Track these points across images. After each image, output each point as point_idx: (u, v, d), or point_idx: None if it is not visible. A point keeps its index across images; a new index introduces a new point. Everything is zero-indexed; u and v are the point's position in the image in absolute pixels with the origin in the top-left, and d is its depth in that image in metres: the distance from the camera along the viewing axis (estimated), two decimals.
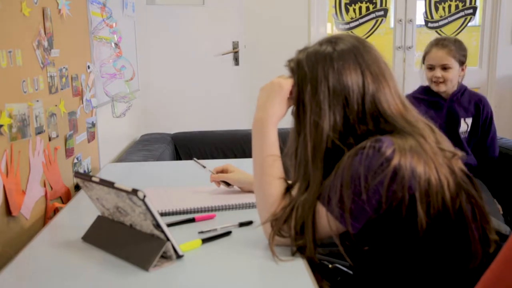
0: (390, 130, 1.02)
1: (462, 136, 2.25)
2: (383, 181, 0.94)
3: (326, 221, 1.00)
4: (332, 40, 1.08)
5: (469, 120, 2.25)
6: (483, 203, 1.03)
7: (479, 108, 2.24)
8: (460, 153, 1.04)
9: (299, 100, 1.08)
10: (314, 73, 1.05)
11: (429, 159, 0.97)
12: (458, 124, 2.24)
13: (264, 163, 1.11)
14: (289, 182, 1.13)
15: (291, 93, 1.12)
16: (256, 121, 1.13)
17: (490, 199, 2.15)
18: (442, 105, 2.24)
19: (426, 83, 2.27)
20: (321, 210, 1.00)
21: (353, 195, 0.96)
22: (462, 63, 2.17)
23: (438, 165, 0.98)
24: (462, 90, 2.24)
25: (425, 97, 2.25)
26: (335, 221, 0.99)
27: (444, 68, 2.15)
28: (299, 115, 1.08)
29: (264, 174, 1.11)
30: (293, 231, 1.02)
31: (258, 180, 1.13)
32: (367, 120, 1.03)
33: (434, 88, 2.19)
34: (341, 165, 0.99)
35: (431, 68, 2.18)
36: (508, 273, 0.68)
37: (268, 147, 1.11)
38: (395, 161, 0.94)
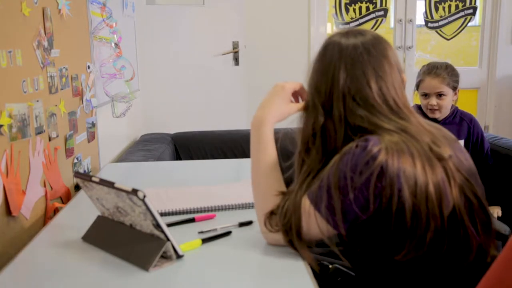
0: (376, 130, 1.02)
1: None
2: (370, 178, 0.95)
3: (315, 221, 1.00)
4: (347, 32, 1.10)
5: (462, 142, 2.26)
6: (482, 202, 1.03)
7: (470, 128, 2.27)
8: (447, 154, 1.01)
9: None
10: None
11: (417, 158, 0.96)
12: None
13: (260, 161, 1.12)
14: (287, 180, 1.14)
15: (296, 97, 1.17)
16: (254, 119, 1.15)
17: None
18: None
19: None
20: (310, 210, 1.01)
21: (341, 194, 0.96)
22: (455, 88, 2.21)
23: (426, 165, 0.97)
24: (454, 112, 2.27)
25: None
26: (323, 221, 0.99)
27: (439, 95, 2.18)
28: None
29: (260, 171, 1.12)
30: (282, 228, 1.03)
31: (254, 177, 1.14)
32: (344, 118, 1.05)
33: (430, 115, 2.22)
34: (329, 165, 1.01)
35: (425, 95, 2.21)
36: (509, 274, 0.68)
37: (264, 145, 1.12)
38: (381, 158, 0.94)
